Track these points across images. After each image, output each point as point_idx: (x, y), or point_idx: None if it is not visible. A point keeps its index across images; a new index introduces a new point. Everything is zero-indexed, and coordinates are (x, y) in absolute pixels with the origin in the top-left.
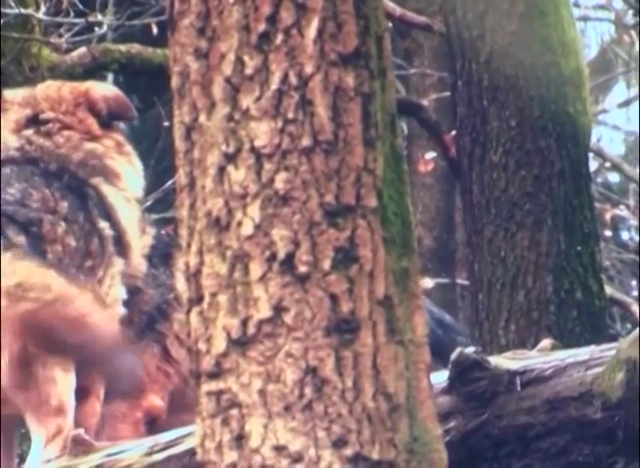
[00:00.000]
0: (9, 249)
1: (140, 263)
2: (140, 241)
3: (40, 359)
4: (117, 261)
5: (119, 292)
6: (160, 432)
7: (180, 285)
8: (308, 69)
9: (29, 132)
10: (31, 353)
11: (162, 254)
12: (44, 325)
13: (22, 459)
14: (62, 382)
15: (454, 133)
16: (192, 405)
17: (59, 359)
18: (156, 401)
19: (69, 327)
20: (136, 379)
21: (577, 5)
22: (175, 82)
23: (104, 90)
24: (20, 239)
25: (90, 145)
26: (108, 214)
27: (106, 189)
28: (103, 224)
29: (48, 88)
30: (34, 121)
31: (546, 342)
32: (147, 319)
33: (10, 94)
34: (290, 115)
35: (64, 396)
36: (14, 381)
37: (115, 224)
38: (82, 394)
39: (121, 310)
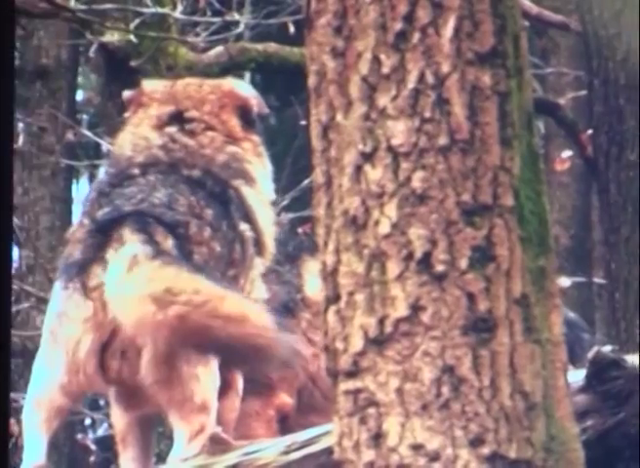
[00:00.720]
0: (157, 256)
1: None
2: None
3: (184, 356)
4: (257, 262)
5: (260, 293)
6: (290, 431)
7: (309, 286)
8: (445, 68)
9: (173, 129)
10: (175, 350)
11: (288, 254)
12: (197, 325)
13: (160, 458)
14: (206, 380)
15: (590, 131)
16: (320, 406)
17: (204, 357)
18: (286, 398)
19: (225, 323)
20: (292, 370)
21: None
22: (311, 81)
23: (245, 87)
24: (169, 242)
25: (232, 148)
26: (248, 216)
27: (246, 191)
28: (244, 227)
29: (188, 86)
30: (177, 118)
31: None
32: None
33: (148, 84)
34: (426, 114)
35: (208, 393)
36: (157, 378)
37: (254, 225)
38: (222, 389)
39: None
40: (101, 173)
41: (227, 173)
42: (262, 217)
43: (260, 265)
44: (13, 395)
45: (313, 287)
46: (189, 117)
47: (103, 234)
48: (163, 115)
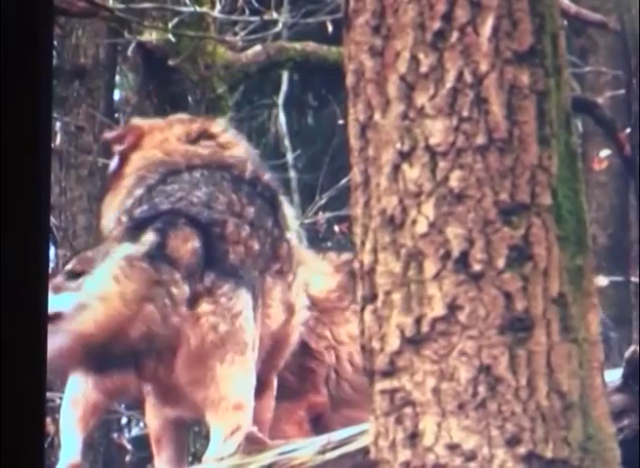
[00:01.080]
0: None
1: None
2: None
3: (218, 355)
4: (301, 270)
5: (304, 301)
6: (326, 428)
7: (313, 285)
8: (483, 67)
9: (210, 143)
10: (208, 349)
11: None
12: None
13: (196, 457)
14: (241, 379)
15: (628, 130)
16: (350, 398)
17: (239, 356)
18: (316, 398)
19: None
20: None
21: None
22: (349, 80)
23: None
24: (190, 245)
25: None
26: (289, 228)
27: (286, 204)
28: (290, 235)
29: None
30: (206, 136)
31: None
32: None
33: (138, 120)
34: (465, 113)
35: (244, 392)
36: (192, 377)
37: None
38: (257, 389)
39: (306, 315)
40: (145, 174)
41: (275, 184)
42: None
43: (304, 274)
44: (48, 394)
45: (317, 285)
46: (218, 132)
47: (139, 232)
48: (192, 132)
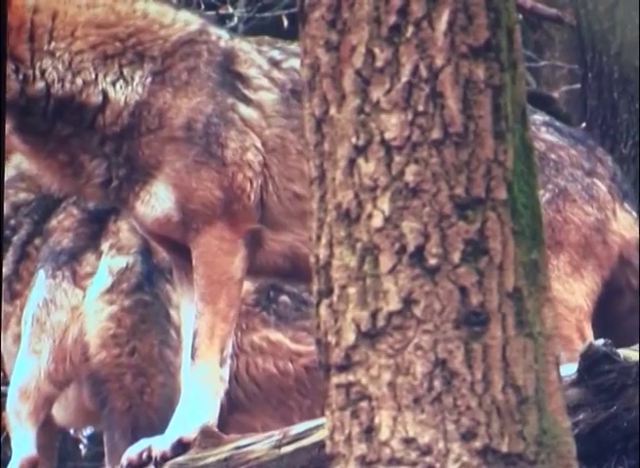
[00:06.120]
0: (136, 290)
1: None
2: None
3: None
4: None
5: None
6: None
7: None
8: (439, 62)
9: None
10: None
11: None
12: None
13: None
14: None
15: (584, 125)
16: (244, 406)
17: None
18: None
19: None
20: None
21: None
22: (305, 74)
23: None
24: None
25: None
26: None
27: None
28: None
29: None
30: None
31: None
32: None
33: None
34: (420, 107)
35: None
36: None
37: None
38: None
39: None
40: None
41: None
42: None
43: None
44: (3, 388)
45: None
46: None
47: (98, 223)
48: None
